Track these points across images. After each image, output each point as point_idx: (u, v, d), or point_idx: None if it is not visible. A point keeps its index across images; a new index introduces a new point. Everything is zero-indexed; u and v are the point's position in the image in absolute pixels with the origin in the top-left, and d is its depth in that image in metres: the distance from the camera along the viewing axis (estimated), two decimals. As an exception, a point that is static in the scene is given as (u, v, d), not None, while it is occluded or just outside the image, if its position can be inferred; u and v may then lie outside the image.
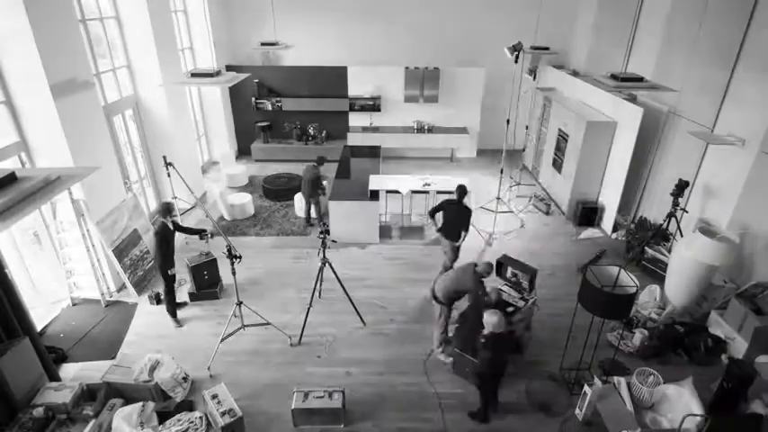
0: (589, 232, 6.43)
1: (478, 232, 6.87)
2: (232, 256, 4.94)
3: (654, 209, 7.48)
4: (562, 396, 4.82)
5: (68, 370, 5.08)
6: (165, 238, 5.40)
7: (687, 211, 6.41)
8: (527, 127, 10.47)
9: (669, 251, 6.49)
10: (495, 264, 5.23)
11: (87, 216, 5.72)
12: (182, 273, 6.25)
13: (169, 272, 5.51)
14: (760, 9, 5.60)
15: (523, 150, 10.85)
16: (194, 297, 6.16)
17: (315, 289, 5.73)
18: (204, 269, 6.13)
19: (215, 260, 6.21)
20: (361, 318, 5.78)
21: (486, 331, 4.16)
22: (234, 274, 5.16)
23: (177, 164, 8.14)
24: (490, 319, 4.13)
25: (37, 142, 5.39)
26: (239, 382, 4.91)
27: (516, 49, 6.94)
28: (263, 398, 4.75)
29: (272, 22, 9.75)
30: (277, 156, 10.92)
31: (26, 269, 5.84)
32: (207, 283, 6.20)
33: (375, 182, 7.74)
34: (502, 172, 7.79)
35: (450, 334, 5.33)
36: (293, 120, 10.95)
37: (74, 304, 6.02)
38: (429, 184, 7.60)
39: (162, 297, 5.89)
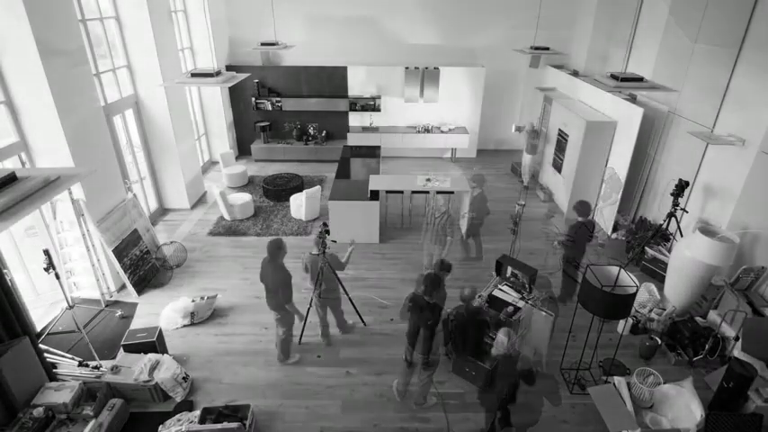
0: None
1: None
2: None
3: (654, 209, 7.48)
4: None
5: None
6: None
7: (687, 211, 6.41)
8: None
9: (669, 251, 6.49)
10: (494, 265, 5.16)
11: (87, 216, 5.72)
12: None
13: None
14: (760, 8, 5.60)
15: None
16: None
17: (315, 289, 5.72)
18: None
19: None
20: (361, 318, 5.78)
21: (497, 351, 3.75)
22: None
23: (177, 164, 8.19)
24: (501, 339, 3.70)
25: (37, 142, 5.39)
26: (239, 382, 4.92)
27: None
28: (263, 398, 4.75)
29: (273, 22, 9.74)
30: (277, 156, 10.92)
31: (26, 269, 5.84)
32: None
33: (375, 182, 7.75)
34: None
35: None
36: (293, 120, 10.95)
37: (73, 305, 6.01)
38: (429, 180, 7.56)
39: None
